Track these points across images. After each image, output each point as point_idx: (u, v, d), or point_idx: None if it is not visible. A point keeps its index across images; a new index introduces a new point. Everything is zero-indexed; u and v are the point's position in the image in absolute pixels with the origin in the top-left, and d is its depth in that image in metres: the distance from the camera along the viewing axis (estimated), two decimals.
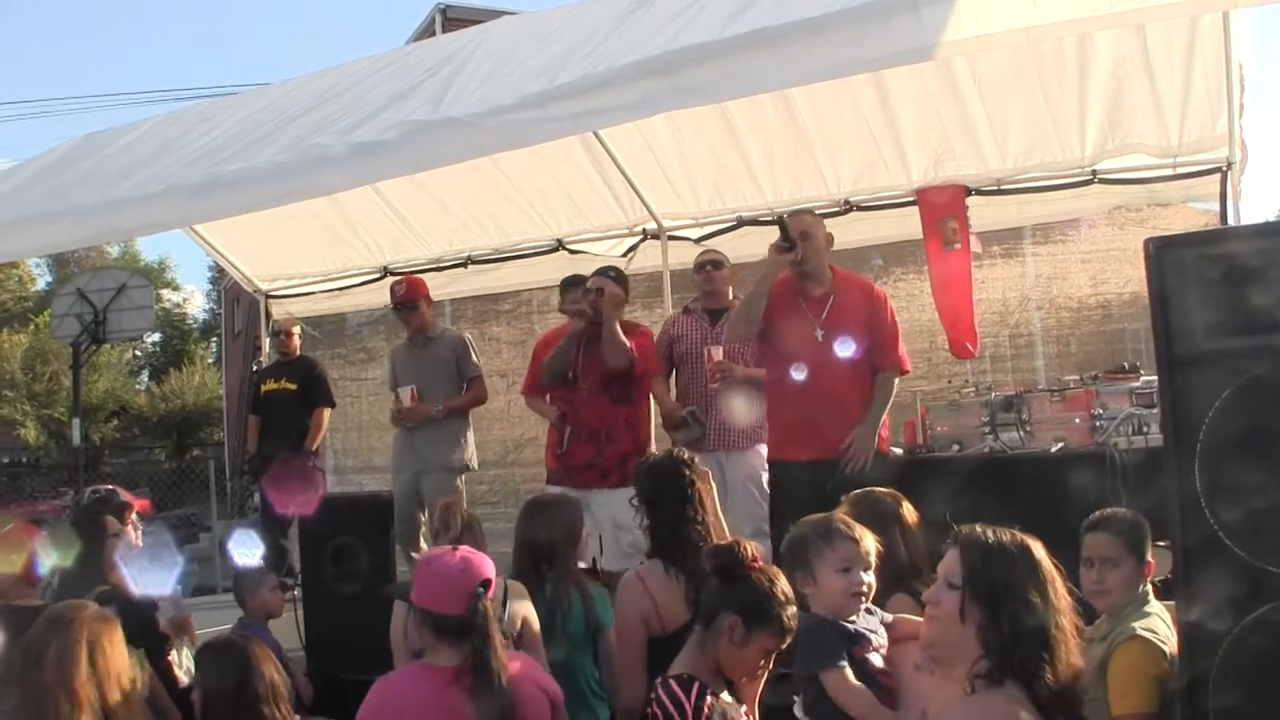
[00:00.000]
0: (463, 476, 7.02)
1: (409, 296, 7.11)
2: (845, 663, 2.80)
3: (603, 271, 6.21)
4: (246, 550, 4.92)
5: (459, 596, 3.09)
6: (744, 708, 3.10)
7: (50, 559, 4.90)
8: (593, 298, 5.98)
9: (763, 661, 3.11)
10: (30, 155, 6.28)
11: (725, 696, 3.05)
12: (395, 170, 4.47)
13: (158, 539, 5.27)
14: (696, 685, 3.00)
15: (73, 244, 5.95)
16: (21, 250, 5.56)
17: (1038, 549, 2.57)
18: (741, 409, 5.77)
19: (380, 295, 8.64)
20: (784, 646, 3.08)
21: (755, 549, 3.20)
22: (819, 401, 5.12)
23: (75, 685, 2.90)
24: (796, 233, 5.18)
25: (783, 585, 3.08)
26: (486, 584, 3.15)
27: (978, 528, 2.63)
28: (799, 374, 5.15)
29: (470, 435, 7.11)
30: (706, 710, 2.95)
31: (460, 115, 3.96)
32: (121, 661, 3.01)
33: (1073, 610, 2.56)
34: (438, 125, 3.97)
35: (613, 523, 5.61)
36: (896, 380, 5.31)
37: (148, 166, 4.84)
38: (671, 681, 3.04)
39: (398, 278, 7.56)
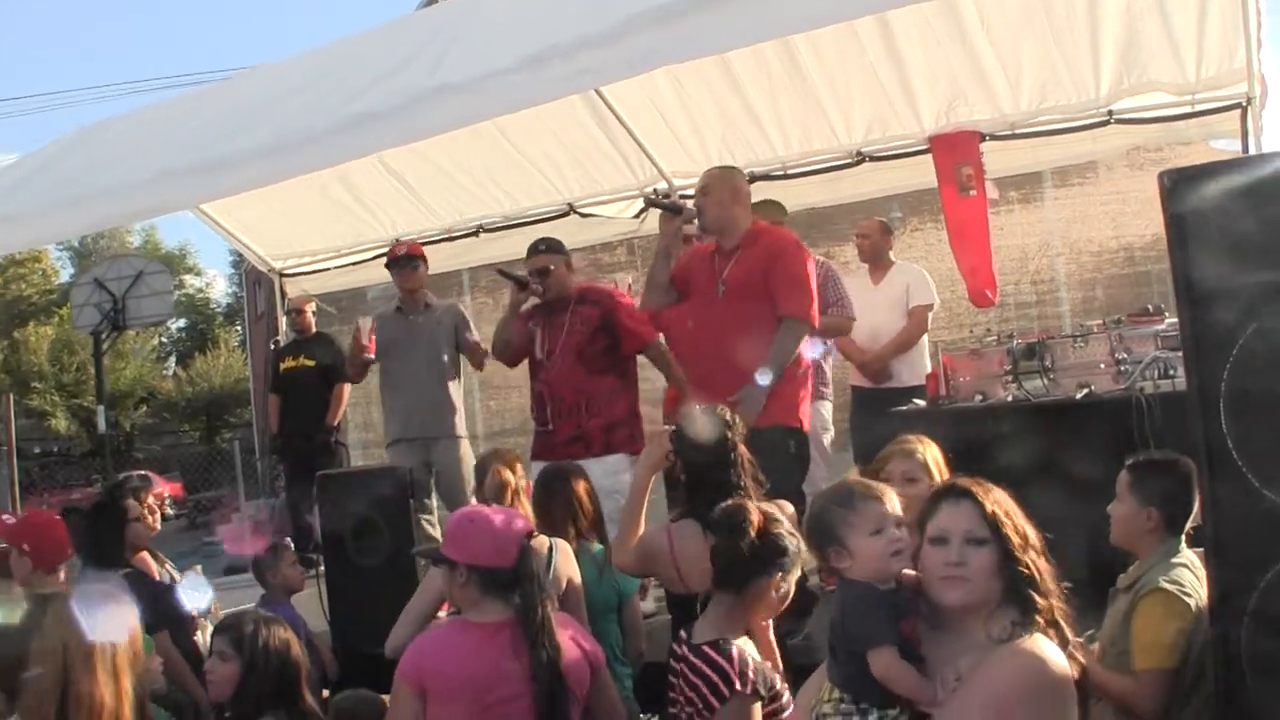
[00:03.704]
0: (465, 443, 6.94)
1: (410, 252, 6.97)
2: (895, 643, 2.58)
3: (537, 248, 5.93)
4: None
5: (507, 548, 3.15)
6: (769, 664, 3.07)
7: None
8: (539, 279, 5.80)
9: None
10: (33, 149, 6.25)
11: (755, 654, 3.02)
12: (394, 139, 4.41)
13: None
14: (736, 650, 2.95)
15: (74, 233, 5.92)
16: (26, 241, 5.54)
17: None
18: None
19: None
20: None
21: (760, 509, 3.14)
22: (712, 360, 5.01)
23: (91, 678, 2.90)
24: (697, 190, 5.28)
25: (786, 525, 3.10)
26: (530, 534, 3.25)
27: (972, 481, 2.58)
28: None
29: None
30: (752, 675, 2.91)
31: (457, 81, 3.89)
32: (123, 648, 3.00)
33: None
34: (435, 92, 3.91)
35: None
36: (800, 328, 5.03)
37: (146, 151, 4.80)
38: (706, 649, 2.96)
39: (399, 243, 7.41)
